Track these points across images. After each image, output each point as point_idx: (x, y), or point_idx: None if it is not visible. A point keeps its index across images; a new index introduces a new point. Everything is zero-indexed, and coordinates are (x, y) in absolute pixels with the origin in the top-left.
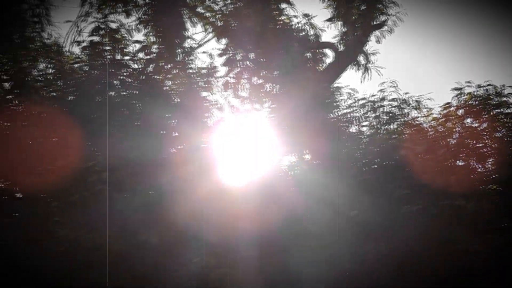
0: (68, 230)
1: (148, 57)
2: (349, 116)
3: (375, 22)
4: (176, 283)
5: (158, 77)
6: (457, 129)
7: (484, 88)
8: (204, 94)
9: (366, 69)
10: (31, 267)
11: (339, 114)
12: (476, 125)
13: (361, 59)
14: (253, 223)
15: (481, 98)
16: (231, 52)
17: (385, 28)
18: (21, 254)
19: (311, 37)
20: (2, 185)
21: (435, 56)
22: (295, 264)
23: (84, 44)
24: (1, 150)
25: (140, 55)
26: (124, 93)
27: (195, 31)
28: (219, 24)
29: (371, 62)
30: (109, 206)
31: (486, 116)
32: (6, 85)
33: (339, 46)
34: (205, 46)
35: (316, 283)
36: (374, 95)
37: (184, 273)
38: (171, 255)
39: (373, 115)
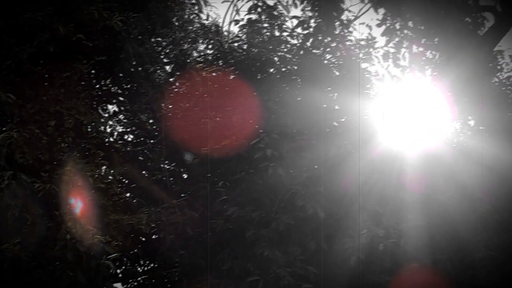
0: (236, 208)
1: (306, 31)
2: None
3: None
4: (345, 255)
5: (317, 51)
6: None
7: None
8: (364, 65)
9: None
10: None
11: (502, 77)
12: None
13: None
14: (419, 192)
15: None
16: (389, 21)
17: None
18: (192, 233)
19: (470, 1)
20: (169, 167)
21: None
22: (465, 231)
23: (242, 22)
24: (166, 132)
25: (298, 30)
26: (284, 69)
27: (352, 3)
28: None
29: None
30: (275, 182)
31: None
32: (168, 68)
33: (498, 8)
34: (362, 18)
35: (485, 249)
36: None
37: (352, 245)
38: (339, 228)
39: None
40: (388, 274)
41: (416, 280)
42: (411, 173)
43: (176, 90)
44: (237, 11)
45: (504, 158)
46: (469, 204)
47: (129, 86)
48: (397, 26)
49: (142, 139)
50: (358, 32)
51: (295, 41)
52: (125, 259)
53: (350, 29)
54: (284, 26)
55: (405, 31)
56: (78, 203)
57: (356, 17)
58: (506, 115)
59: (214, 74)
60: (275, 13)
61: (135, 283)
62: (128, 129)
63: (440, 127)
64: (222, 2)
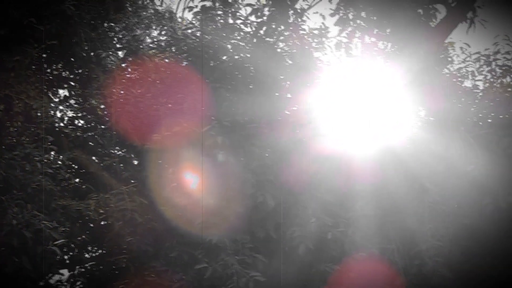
0: (187, 194)
1: (260, 20)
2: (463, 70)
3: None
4: (293, 244)
5: (270, 39)
6: None
7: None
8: (316, 54)
9: (472, 22)
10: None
11: (453, 69)
12: None
13: (470, 13)
14: (368, 181)
15: None
16: (342, 11)
17: None
18: (141, 220)
19: None
20: (119, 153)
21: None
22: (413, 221)
23: (196, 9)
24: (117, 118)
25: (252, 18)
26: (237, 57)
27: None
28: None
29: (477, 14)
30: (225, 169)
31: None
32: (120, 53)
33: (450, 0)
34: (316, 7)
35: (432, 239)
36: (487, 49)
37: (301, 233)
38: (288, 217)
39: (487, 69)
40: (336, 263)
41: (363, 269)
42: (361, 163)
43: (128, 76)
44: None
45: (453, 149)
46: (418, 194)
47: (80, 71)
48: (350, 16)
49: (92, 124)
50: (312, 21)
51: (248, 29)
52: (72, 245)
53: (304, 18)
54: (238, 13)
55: (358, 21)
56: (27, 188)
57: (310, 6)
58: (456, 106)
59: (166, 60)
60: (229, 0)
61: (82, 270)
62: (79, 114)
63: (391, 118)
64: None
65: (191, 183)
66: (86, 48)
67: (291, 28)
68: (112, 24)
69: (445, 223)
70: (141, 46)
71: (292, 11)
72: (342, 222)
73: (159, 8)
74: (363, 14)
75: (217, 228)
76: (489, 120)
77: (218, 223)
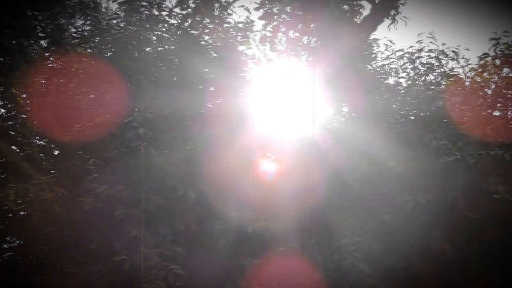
0: (106, 186)
1: (185, 12)
2: (386, 67)
3: None
4: (213, 237)
5: (195, 32)
6: (494, 79)
7: None
8: (241, 48)
9: (394, 19)
10: (70, 223)
11: (377, 66)
12: None
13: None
14: (291, 177)
15: None
16: (268, 5)
17: None
18: (60, 211)
19: None
20: (40, 142)
21: (471, 6)
22: (334, 217)
23: (121, 0)
24: (38, 107)
25: (177, 10)
26: (161, 48)
27: None
28: None
29: (400, 12)
30: (147, 162)
31: None
32: (43, 42)
33: None
34: (241, 0)
35: (352, 234)
36: (411, 47)
37: (222, 227)
38: (209, 210)
39: (411, 66)
40: (256, 257)
41: (282, 263)
42: (283, 158)
43: (50, 65)
44: None
45: (375, 145)
46: (340, 190)
47: (2, 59)
48: (276, 10)
49: (13, 113)
50: (237, 14)
51: (173, 21)
52: None
53: (229, 11)
54: (163, 5)
55: (283, 16)
56: None
57: (236, 0)
58: (379, 102)
59: (90, 51)
60: None
61: (0, 260)
62: (0, 103)
63: (314, 113)
64: None
65: (112, 174)
66: (8, 36)
67: (216, 21)
68: (36, 12)
69: (365, 219)
70: (64, 36)
71: (217, 4)
72: (263, 216)
73: None
74: (288, 8)
75: (137, 221)
76: (411, 117)
77: (138, 216)
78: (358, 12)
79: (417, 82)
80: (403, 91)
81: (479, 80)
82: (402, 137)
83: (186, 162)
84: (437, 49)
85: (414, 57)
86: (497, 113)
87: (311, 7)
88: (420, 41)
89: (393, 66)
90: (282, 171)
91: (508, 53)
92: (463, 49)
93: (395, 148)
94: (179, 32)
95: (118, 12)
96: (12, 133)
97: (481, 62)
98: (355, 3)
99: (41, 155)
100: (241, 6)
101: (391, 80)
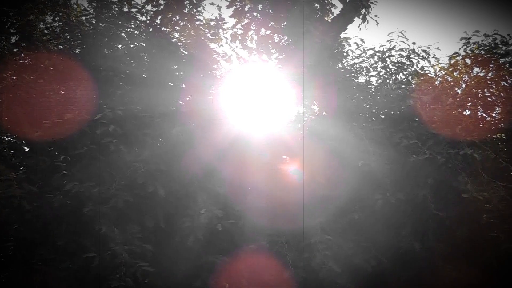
0: (75, 183)
1: (156, 9)
2: (357, 66)
3: None
4: (183, 234)
5: (165, 29)
6: (464, 79)
7: (491, 38)
8: (212, 45)
9: (364, 18)
10: (39, 220)
11: (347, 64)
12: (483, 74)
13: (364, 10)
14: (261, 175)
15: (488, 48)
16: (239, 3)
17: None
18: (29, 208)
19: None
20: (9, 139)
21: (442, 5)
22: (304, 214)
23: None
24: (8, 103)
25: (148, 7)
26: (132, 45)
27: None
28: None
29: (370, 11)
30: (117, 159)
31: (493, 65)
32: (13, 38)
33: None
34: None
35: (321, 232)
36: (382, 45)
37: (191, 224)
38: (178, 207)
39: (382, 65)
40: (225, 254)
41: (252, 261)
42: (253, 155)
43: (20, 61)
44: None
45: (345, 144)
46: (310, 188)
47: None
48: (247, 8)
49: None
50: (208, 12)
51: (144, 18)
52: None
53: (200, 8)
54: (133, 2)
55: (254, 14)
56: None
57: None
58: (349, 101)
59: (60, 47)
60: None
61: None
62: None
63: (285, 111)
64: None
65: (82, 171)
66: None
67: (187, 18)
68: (6, 8)
69: (335, 218)
70: (34, 32)
71: (188, 1)
72: (232, 214)
73: None
74: (259, 6)
75: (106, 218)
76: (382, 116)
77: (107, 212)
78: (329, 11)
79: (387, 81)
80: (374, 90)
81: (450, 79)
82: (372, 135)
83: (156, 160)
84: (408, 48)
85: (385, 56)
86: (467, 112)
87: (282, 5)
88: (391, 40)
89: (364, 65)
90: (252, 168)
91: (478, 53)
92: (434, 48)
93: (365, 146)
94: (150, 29)
95: (88, 9)
96: None
97: (452, 61)
98: (326, 2)
99: (10, 151)
100: (212, 4)
101: (361, 79)
